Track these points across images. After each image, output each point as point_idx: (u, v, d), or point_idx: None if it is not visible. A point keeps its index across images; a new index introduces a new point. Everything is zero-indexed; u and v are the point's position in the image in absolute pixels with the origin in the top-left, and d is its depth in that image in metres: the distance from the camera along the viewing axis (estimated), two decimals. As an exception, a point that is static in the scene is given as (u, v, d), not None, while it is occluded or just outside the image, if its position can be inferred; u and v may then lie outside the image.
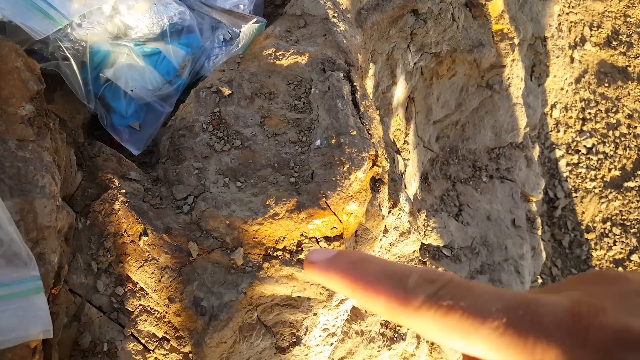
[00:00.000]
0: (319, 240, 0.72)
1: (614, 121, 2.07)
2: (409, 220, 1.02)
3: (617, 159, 2.00)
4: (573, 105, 2.02)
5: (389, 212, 0.95)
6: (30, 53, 0.84)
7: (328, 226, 0.72)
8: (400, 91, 1.21)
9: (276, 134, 0.80)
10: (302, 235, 0.71)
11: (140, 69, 0.89)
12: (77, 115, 0.89)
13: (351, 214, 0.73)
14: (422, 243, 1.22)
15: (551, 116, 1.93)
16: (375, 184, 0.84)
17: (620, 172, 1.99)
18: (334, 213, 0.71)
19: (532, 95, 1.66)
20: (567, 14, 2.17)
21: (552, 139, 1.94)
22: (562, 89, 2.00)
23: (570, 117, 2.01)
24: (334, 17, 0.90)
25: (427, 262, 1.20)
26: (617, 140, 2.03)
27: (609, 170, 1.99)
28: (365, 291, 0.22)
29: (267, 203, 0.72)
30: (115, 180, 0.75)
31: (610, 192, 1.95)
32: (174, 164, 0.79)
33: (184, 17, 0.95)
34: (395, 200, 0.97)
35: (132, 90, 0.89)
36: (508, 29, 1.52)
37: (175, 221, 0.74)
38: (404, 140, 1.24)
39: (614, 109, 2.08)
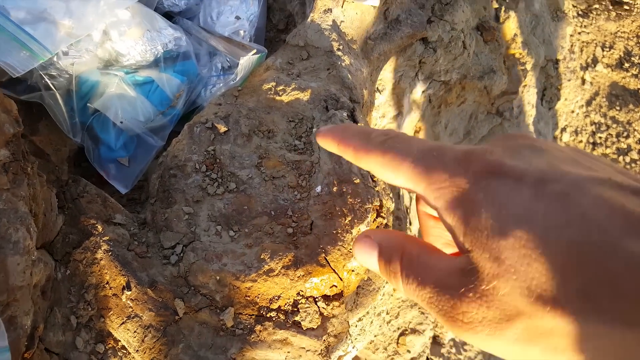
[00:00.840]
0: (316, 299, 0.66)
1: (625, 146, 2.01)
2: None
3: (628, 185, 1.94)
4: (583, 128, 1.96)
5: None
6: (13, 82, 0.79)
7: (327, 284, 0.66)
8: (407, 121, 1.15)
9: (274, 177, 0.75)
10: (298, 294, 0.65)
11: (131, 100, 0.83)
12: (63, 148, 0.84)
13: (352, 271, 0.67)
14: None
15: (561, 140, 1.88)
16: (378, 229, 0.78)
17: (630, 198, 1.93)
18: (333, 270, 0.66)
19: (542, 121, 1.60)
20: (579, 33, 2.11)
21: (561, 164, 1.88)
22: (572, 111, 1.94)
23: (581, 142, 1.94)
24: (338, 49, 0.85)
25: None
26: (628, 167, 1.96)
27: (619, 196, 1.93)
28: (343, 145, 0.30)
29: (262, 257, 0.67)
30: (99, 226, 0.70)
31: (620, 219, 1.88)
32: (163, 207, 0.74)
33: (180, 43, 0.89)
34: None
35: (121, 122, 0.83)
36: (520, 54, 1.47)
37: (162, 273, 0.68)
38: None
39: (625, 134, 2.02)
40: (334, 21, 0.88)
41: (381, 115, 1.10)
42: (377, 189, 0.73)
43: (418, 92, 1.15)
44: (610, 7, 2.26)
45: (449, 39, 1.08)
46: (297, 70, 0.85)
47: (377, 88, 1.05)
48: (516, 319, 0.21)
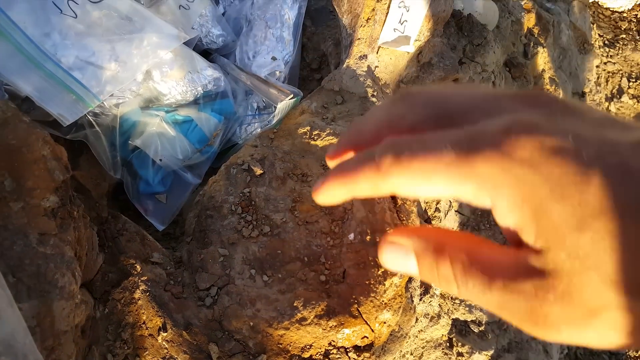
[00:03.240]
0: (348, 350, 0.67)
1: (650, 179, 1.99)
2: (439, 304, 0.97)
3: (652, 220, 1.91)
4: (608, 161, 1.95)
5: (420, 299, 0.90)
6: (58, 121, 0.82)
7: (359, 335, 0.67)
8: (434, 158, 1.16)
9: (307, 222, 0.76)
10: (330, 344, 0.67)
11: (170, 138, 0.86)
12: (102, 182, 0.87)
13: (384, 322, 0.68)
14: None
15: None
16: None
17: (654, 233, 1.91)
18: (365, 322, 0.67)
19: (568, 155, 1.59)
20: (605, 63, 2.11)
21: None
22: (597, 143, 1.93)
23: (605, 174, 1.93)
24: (373, 95, 0.87)
25: (453, 339, 1.14)
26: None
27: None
28: (352, 181, 0.25)
29: (295, 304, 0.68)
30: (137, 266, 0.72)
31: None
32: (199, 247, 0.76)
33: (219, 83, 0.92)
34: (427, 285, 0.92)
35: (160, 160, 0.86)
36: (547, 90, 1.47)
37: (197, 316, 0.70)
38: (436, 208, 1.19)
39: (651, 167, 2.00)
40: (368, 67, 0.90)
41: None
42: (408, 238, 0.74)
43: (446, 130, 1.16)
44: (637, 37, 2.25)
45: (480, 80, 1.10)
46: (332, 114, 0.87)
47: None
48: (602, 312, 0.20)
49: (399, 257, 0.25)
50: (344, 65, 0.89)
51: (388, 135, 0.26)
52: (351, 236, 0.73)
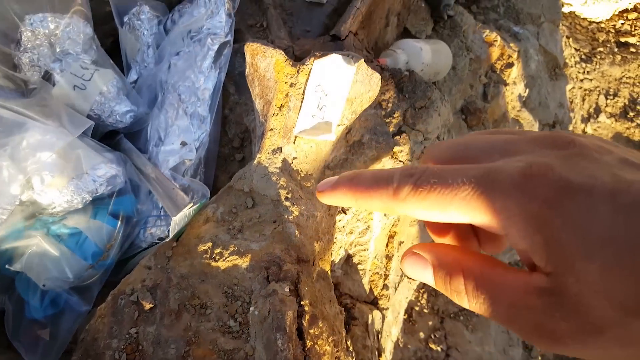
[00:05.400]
0: None
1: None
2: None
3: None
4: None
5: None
6: None
7: None
8: (377, 231, 1.06)
9: (203, 369, 0.65)
10: None
11: (54, 259, 0.75)
12: (-20, 312, 0.76)
13: None
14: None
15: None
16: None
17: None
18: None
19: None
20: (582, 80, 1.99)
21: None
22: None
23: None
24: (286, 198, 0.75)
25: None
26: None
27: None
28: (363, 197, 0.29)
29: None
30: None
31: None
32: (79, 403, 0.65)
33: (115, 181, 0.81)
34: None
35: (44, 285, 0.75)
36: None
37: None
38: (384, 284, 1.09)
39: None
40: (284, 160, 0.78)
41: (348, 232, 1.01)
42: (318, 390, 0.63)
43: (391, 200, 1.05)
44: (616, 50, 2.12)
45: (420, 151, 0.98)
46: (240, 222, 0.75)
47: (341, 210, 0.95)
48: (607, 330, 0.22)
49: (418, 267, 0.28)
50: (255, 162, 0.78)
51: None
52: (251, 389, 0.63)
